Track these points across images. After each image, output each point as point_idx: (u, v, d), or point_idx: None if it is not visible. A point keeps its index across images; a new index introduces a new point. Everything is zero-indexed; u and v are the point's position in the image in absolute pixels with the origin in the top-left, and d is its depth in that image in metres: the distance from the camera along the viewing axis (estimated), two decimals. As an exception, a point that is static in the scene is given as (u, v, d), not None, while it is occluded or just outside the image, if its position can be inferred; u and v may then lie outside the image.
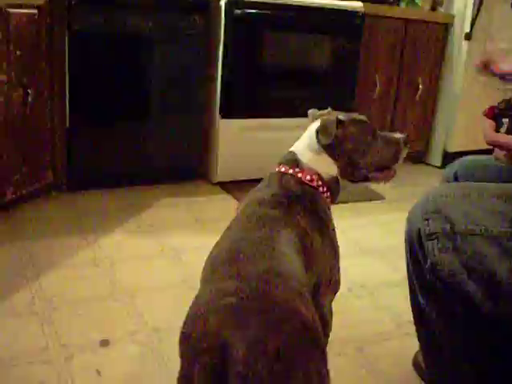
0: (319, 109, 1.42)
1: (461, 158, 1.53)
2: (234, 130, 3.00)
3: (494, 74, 1.26)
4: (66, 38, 2.53)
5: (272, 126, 3.08)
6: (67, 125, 2.63)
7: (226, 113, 2.95)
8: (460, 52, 3.71)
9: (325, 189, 1.26)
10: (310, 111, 1.41)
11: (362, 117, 1.35)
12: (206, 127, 3.04)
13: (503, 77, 1.26)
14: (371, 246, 2.50)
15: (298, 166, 1.26)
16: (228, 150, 3.02)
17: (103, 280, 1.98)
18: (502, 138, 1.06)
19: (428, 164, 3.96)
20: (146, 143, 2.87)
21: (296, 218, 1.14)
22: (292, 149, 1.31)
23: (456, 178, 1.46)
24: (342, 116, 1.29)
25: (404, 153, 1.37)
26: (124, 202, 2.73)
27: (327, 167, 1.27)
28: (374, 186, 3.09)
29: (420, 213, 1.13)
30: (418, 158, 3.95)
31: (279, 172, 1.26)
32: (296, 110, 2.97)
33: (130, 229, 2.45)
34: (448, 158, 3.77)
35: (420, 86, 3.72)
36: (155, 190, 2.91)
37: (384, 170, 1.35)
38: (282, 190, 1.21)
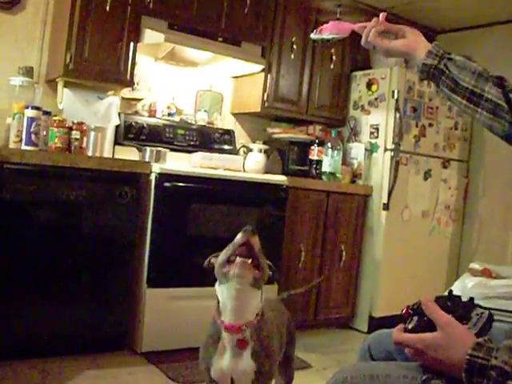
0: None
1: (374, 332, 1.59)
2: (160, 298, 2.98)
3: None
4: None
5: (200, 295, 3.07)
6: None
7: (153, 281, 2.96)
8: (379, 221, 3.94)
9: None
10: None
11: None
12: (132, 295, 3.01)
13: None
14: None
15: None
16: (154, 318, 2.97)
17: None
18: (405, 338, 1.14)
19: (355, 329, 3.99)
20: (68, 310, 2.80)
21: None
22: None
23: (370, 352, 1.51)
24: None
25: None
26: (41, 375, 2.57)
27: None
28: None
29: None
30: (345, 323, 4.01)
31: None
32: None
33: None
34: (374, 322, 3.85)
35: (343, 254, 3.88)
36: (76, 360, 2.76)
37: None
38: None
